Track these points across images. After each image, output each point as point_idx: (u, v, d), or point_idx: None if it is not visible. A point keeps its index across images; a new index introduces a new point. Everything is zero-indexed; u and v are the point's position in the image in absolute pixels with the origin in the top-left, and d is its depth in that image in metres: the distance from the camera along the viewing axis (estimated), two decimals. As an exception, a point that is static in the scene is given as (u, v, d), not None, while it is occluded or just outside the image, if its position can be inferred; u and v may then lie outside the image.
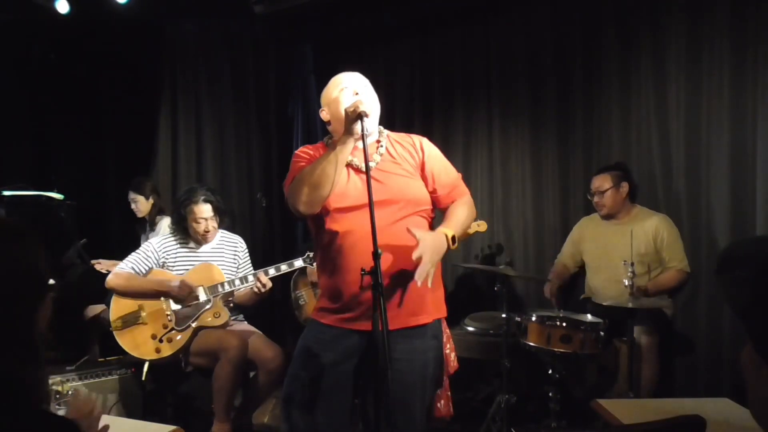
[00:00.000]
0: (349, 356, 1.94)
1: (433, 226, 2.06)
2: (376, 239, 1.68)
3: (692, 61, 3.37)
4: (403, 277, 1.85)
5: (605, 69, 3.69)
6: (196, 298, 3.02)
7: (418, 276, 1.77)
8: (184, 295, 3.00)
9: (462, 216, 2.02)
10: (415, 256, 1.77)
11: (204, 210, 3.13)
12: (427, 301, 1.96)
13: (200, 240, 3.19)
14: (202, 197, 3.14)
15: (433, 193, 2.03)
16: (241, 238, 3.35)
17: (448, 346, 2.08)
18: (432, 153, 2.06)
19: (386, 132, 2.10)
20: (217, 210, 3.17)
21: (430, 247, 1.81)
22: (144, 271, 3.10)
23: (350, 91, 1.98)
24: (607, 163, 3.48)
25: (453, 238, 1.89)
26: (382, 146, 2.02)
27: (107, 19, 4.34)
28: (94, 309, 3.84)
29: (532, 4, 3.97)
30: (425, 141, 2.09)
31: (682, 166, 3.42)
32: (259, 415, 3.33)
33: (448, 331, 2.09)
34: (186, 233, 3.19)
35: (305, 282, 3.70)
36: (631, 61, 3.59)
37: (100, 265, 3.91)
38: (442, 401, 2.06)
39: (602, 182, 3.32)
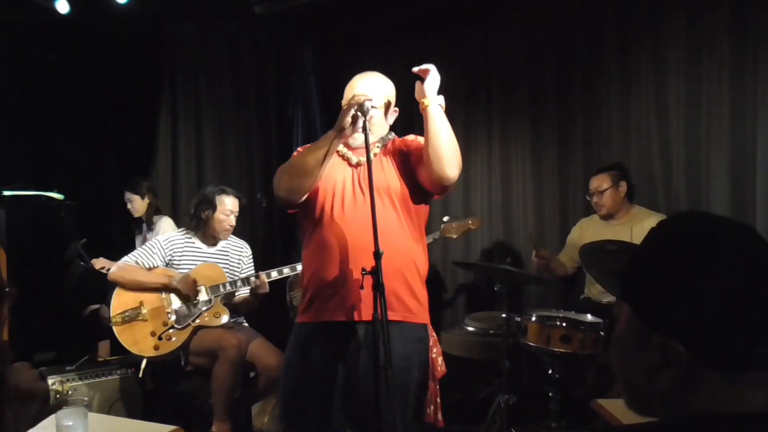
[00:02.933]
0: (332, 349, 1.93)
1: (428, 232, 2.07)
2: (377, 240, 1.69)
3: (692, 61, 3.37)
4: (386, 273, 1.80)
5: (605, 69, 3.69)
6: (197, 293, 3.02)
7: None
8: (186, 289, 3.00)
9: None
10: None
11: (233, 203, 3.19)
12: (407, 302, 1.94)
13: (214, 236, 3.20)
14: (233, 192, 3.24)
15: (417, 162, 1.99)
16: (247, 244, 3.36)
17: (434, 350, 2.02)
18: (412, 140, 2.07)
19: (392, 137, 2.11)
20: (242, 210, 3.25)
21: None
22: (148, 267, 3.11)
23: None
24: (607, 164, 3.47)
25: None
26: (378, 147, 2.03)
27: (107, 19, 4.34)
28: (94, 308, 3.84)
29: (532, 4, 3.97)
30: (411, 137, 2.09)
31: (682, 166, 3.42)
32: (259, 416, 3.33)
33: (434, 335, 2.05)
34: (202, 225, 3.18)
35: (300, 283, 3.70)
36: (631, 62, 3.59)
37: (99, 262, 3.91)
38: (432, 407, 2.02)
39: (601, 182, 3.32)
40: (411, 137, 2.10)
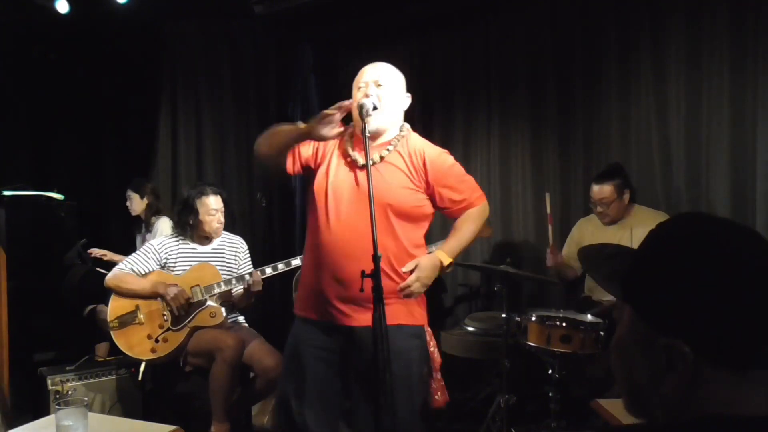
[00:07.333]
0: (331, 350, 1.97)
1: (429, 232, 2.08)
2: (376, 242, 1.69)
3: (692, 61, 3.37)
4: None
5: (605, 69, 3.69)
6: (188, 299, 3.01)
7: (403, 289, 1.89)
8: (176, 303, 2.98)
9: (466, 234, 2.03)
10: (409, 281, 1.89)
11: (215, 201, 3.18)
12: (401, 309, 1.96)
13: (207, 236, 3.19)
14: (211, 190, 3.21)
15: (444, 209, 2.05)
16: (242, 239, 3.36)
17: (431, 343, 2.12)
18: (438, 170, 2.01)
19: (404, 133, 2.07)
20: (225, 203, 3.23)
21: (423, 270, 1.90)
22: (143, 272, 3.09)
23: (364, 90, 2.01)
24: (607, 163, 3.46)
25: (449, 265, 1.94)
26: (390, 148, 2.01)
27: (107, 19, 4.35)
28: (93, 307, 3.84)
29: (532, 4, 3.97)
30: (432, 156, 2.03)
31: (682, 166, 3.42)
32: (259, 416, 3.33)
33: (429, 330, 2.13)
34: (191, 230, 3.18)
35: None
36: (631, 61, 3.59)
37: (106, 256, 3.91)
38: (439, 392, 2.08)
39: (604, 194, 3.20)
40: (439, 159, 2.03)
